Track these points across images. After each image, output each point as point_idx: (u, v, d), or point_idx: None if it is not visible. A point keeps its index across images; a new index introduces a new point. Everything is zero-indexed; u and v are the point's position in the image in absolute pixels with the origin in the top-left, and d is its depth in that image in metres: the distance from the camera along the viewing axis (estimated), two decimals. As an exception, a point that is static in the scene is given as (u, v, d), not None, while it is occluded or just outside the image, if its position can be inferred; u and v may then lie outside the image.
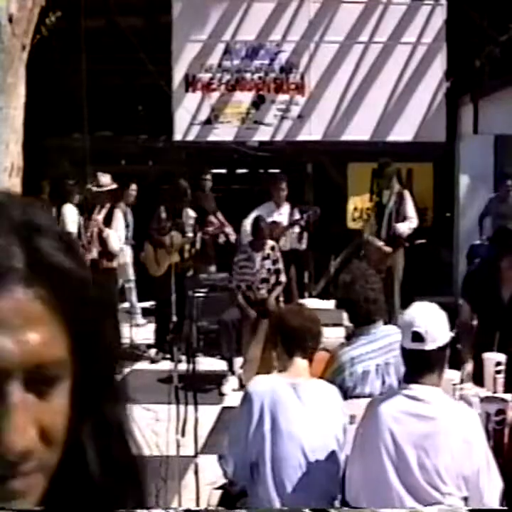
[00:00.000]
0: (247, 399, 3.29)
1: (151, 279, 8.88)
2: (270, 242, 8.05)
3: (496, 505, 3.05)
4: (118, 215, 8.30)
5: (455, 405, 3.21)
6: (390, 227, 8.57)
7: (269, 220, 8.70)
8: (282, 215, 8.93)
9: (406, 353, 3.22)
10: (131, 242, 9.68)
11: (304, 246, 9.04)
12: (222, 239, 9.15)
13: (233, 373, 7.75)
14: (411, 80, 11.23)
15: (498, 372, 4.27)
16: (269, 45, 11.29)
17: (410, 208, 8.73)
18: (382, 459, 3.02)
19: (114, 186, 8.30)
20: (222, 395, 7.42)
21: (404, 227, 8.62)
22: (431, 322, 3.14)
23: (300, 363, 3.41)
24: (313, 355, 3.51)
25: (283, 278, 8.02)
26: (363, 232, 9.16)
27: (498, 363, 4.30)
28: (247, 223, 8.54)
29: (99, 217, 8.19)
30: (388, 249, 8.47)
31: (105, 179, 8.24)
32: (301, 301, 9.66)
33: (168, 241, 8.31)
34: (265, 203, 9.05)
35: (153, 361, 8.42)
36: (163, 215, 8.54)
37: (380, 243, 8.52)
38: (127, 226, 9.51)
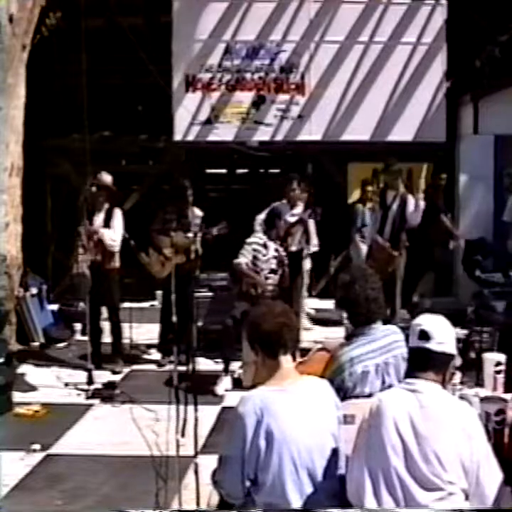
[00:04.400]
0: (237, 420, 3.24)
1: (152, 280, 8.85)
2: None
3: (493, 497, 3.08)
4: (118, 214, 8.28)
5: (454, 400, 3.27)
6: (394, 230, 8.49)
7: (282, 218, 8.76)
8: (294, 215, 8.90)
9: (411, 351, 3.28)
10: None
11: (313, 248, 8.99)
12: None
13: (227, 374, 7.71)
14: (411, 80, 11.23)
15: (498, 372, 4.28)
16: (269, 45, 11.29)
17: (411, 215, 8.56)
18: (387, 451, 3.06)
19: (112, 186, 8.28)
20: (215, 395, 7.36)
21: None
22: (439, 327, 3.25)
23: (285, 361, 3.38)
24: (294, 346, 3.47)
25: (286, 268, 8.00)
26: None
27: (498, 363, 4.30)
28: (260, 218, 8.60)
29: (98, 217, 8.18)
30: (395, 252, 8.42)
31: (106, 178, 8.22)
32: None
33: (171, 242, 8.26)
34: (281, 201, 9.02)
35: (160, 365, 8.41)
36: (168, 216, 8.49)
37: (387, 244, 8.46)
38: None
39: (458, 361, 3.35)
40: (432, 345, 3.18)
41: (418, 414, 3.08)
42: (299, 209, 8.94)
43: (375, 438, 3.10)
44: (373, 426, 3.13)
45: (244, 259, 7.81)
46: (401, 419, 3.08)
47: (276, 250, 7.95)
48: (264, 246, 7.91)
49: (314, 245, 9.02)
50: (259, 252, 7.88)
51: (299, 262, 8.80)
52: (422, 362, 3.20)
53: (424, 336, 3.19)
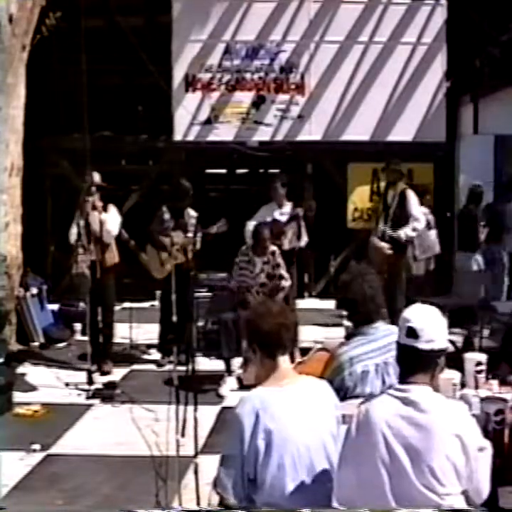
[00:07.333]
0: (235, 421, 3.23)
1: (152, 280, 8.86)
2: (271, 248, 8.10)
3: (488, 481, 3.05)
4: (112, 209, 8.25)
5: (444, 403, 3.11)
6: (394, 228, 8.49)
7: (270, 219, 8.71)
8: (283, 214, 8.90)
9: (399, 348, 3.15)
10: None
11: (303, 243, 8.97)
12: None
13: (230, 374, 7.73)
14: (411, 80, 11.24)
15: (478, 372, 4.28)
16: (269, 45, 11.30)
17: (414, 207, 8.58)
18: (376, 465, 2.99)
19: (103, 183, 8.26)
20: (219, 396, 7.38)
21: (407, 232, 8.50)
22: (428, 322, 3.09)
23: (283, 361, 3.37)
24: (293, 347, 3.47)
25: (286, 283, 8.04)
26: (371, 233, 9.03)
27: (479, 363, 4.30)
28: (251, 224, 8.56)
29: (95, 215, 8.15)
30: (389, 251, 8.41)
31: (97, 177, 8.20)
32: (301, 301, 9.70)
33: (170, 242, 8.27)
34: (269, 203, 9.02)
35: (159, 365, 8.42)
36: (166, 215, 8.50)
37: (381, 244, 8.46)
38: None
39: (450, 348, 3.23)
40: (420, 344, 3.03)
41: (408, 425, 2.98)
42: (287, 208, 8.93)
43: (364, 454, 3.03)
44: (361, 440, 3.05)
45: (233, 283, 8.03)
46: (391, 433, 2.99)
47: (266, 262, 8.01)
48: (251, 263, 7.99)
49: (304, 241, 8.99)
50: (247, 270, 7.99)
51: (291, 260, 8.79)
52: (411, 362, 3.08)
53: (412, 333, 3.04)
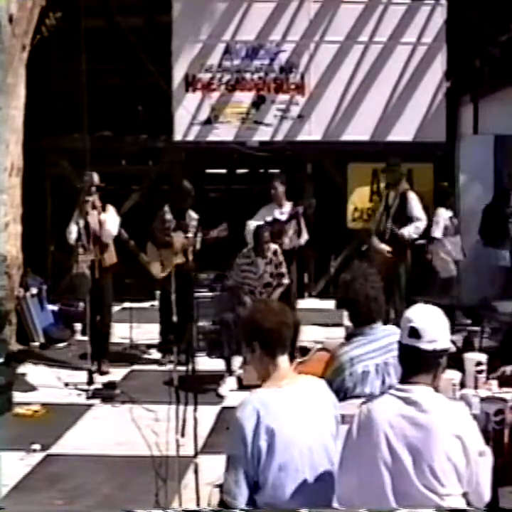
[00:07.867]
0: (237, 424, 3.20)
1: (152, 280, 8.86)
2: (273, 247, 8.11)
3: (489, 486, 3.05)
4: (111, 210, 8.25)
5: (445, 404, 3.11)
6: (394, 228, 8.48)
7: (270, 219, 8.72)
8: (283, 214, 8.90)
9: (402, 348, 3.13)
10: None
11: (303, 241, 8.98)
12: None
13: (231, 374, 7.74)
14: (411, 80, 11.24)
15: (479, 372, 4.28)
16: (269, 45, 11.29)
17: (416, 208, 8.58)
18: (378, 465, 2.99)
19: (102, 184, 8.27)
20: (219, 396, 7.39)
21: (410, 231, 8.51)
22: (430, 322, 3.08)
23: (282, 361, 3.36)
24: (293, 346, 3.45)
25: (285, 280, 8.07)
26: (371, 233, 9.02)
27: (479, 363, 4.30)
28: (252, 224, 8.56)
29: (95, 214, 8.15)
30: (389, 254, 8.41)
31: (96, 178, 8.19)
32: (301, 301, 9.69)
33: (173, 241, 8.27)
34: (269, 204, 9.02)
35: (160, 364, 8.41)
36: (168, 215, 8.50)
37: (382, 246, 8.46)
38: None
39: (453, 348, 3.22)
40: (422, 344, 3.03)
41: (410, 425, 2.98)
42: (286, 207, 8.93)
43: (365, 454, 3.03)
44: (363, 440, 3.05)
45: (231, 282, 8.05)
46: (393, 433, 2.99)
47: (268, 262, 8.01)
48: (254, 264, 8.00)
49: (304, 239, 9.00)
50: (250, 272, 8.01)
51: (292, 259, 8.80)
52: (413, 362, 3.08)
53: (415, 333, 3.04)
